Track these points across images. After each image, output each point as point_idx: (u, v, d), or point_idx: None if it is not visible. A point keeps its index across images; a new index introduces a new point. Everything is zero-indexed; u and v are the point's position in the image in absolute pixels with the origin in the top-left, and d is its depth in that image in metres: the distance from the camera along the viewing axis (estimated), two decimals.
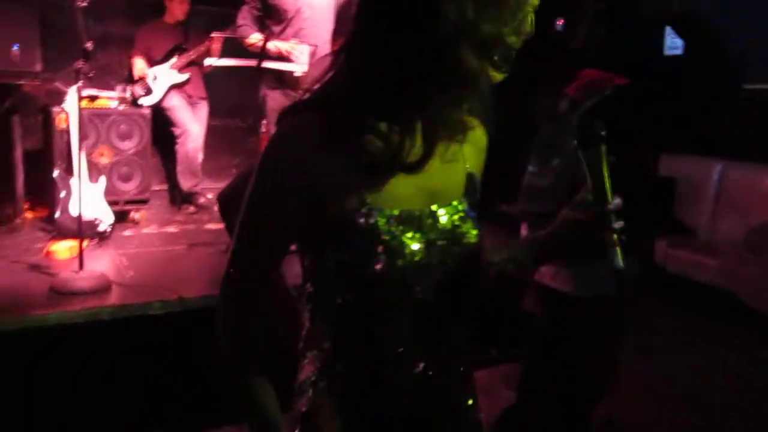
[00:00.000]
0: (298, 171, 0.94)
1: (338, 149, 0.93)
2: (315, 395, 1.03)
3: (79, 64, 3.26)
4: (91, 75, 3.38)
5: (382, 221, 0.96)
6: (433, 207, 1.02)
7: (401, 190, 0.98)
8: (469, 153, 1.10)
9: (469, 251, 1.05)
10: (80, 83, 3.34)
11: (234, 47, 4.20)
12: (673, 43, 5.00)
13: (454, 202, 1.05)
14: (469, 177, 1.10)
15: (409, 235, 0.98)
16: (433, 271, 1.01)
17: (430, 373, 1.03)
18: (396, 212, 0.97)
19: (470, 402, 1.15)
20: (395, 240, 0.97)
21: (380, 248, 0.96)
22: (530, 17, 0.94)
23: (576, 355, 2.18)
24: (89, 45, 3.25)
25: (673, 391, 3.41)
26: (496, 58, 0.92)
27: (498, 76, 0.96)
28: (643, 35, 2.63)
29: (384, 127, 0.95)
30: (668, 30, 4.98)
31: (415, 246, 0.98)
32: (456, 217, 1.04)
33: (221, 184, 5.77)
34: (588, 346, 2.16)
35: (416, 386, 1.03)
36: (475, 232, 1.06)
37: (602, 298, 2.10)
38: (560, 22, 3.04)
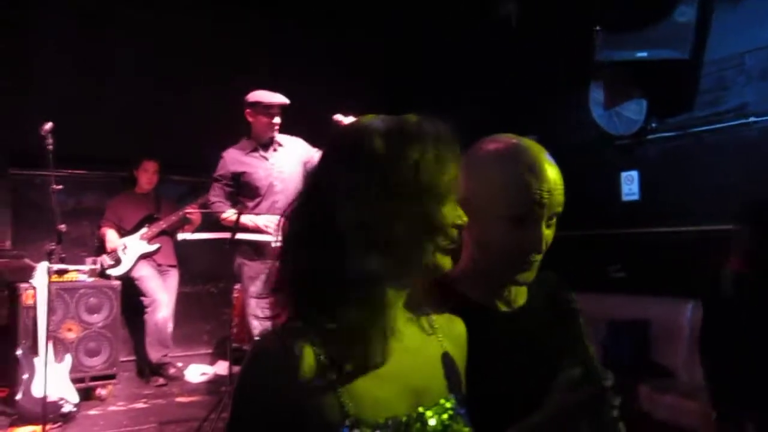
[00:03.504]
0: (274, 394, 0.93)
1: (305, 364, 0.93)
2: None
3: (52, 246, 3.27)
4: (63, 256, 3.36)
5: None
6: (420, 409, 0.98)
7: (383, 394, 0.96)
8: (449, 350, 1.09)
9: None
10: (51, 264, 3.33)
11: (209, 222, 4.26)
12: (629, 190, 5.28)
13: (441, 401, 1.02)
14: (445, 358, 1.07)
15: None
16: None
17: None
18: (381, 420, 0.94)
19: None
20: None
21: None
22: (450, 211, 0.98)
23: None
24: (62, 227, 3.27)
25: None
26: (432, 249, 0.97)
27: (445, 262, 0.99)
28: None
29: (337, 329, 0.95)
30: (624, 176, 5.28)
31: None
32: (445, 416, 1.00)
33: (191, 352, 5.66)
34: None
35: None
36: (467, 429, 1.02)
37: None
38: None
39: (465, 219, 1.00)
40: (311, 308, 0.97)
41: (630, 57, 4.39)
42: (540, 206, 1.18)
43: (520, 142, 1.23)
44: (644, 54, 4.33)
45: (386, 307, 0.99)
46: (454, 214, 0.99)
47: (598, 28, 4.38)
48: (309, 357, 0.93)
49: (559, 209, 1.23)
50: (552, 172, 1.20)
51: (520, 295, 1.32)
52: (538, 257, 1.23)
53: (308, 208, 1.00)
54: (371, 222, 0.93)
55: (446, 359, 1.07)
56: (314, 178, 1.02)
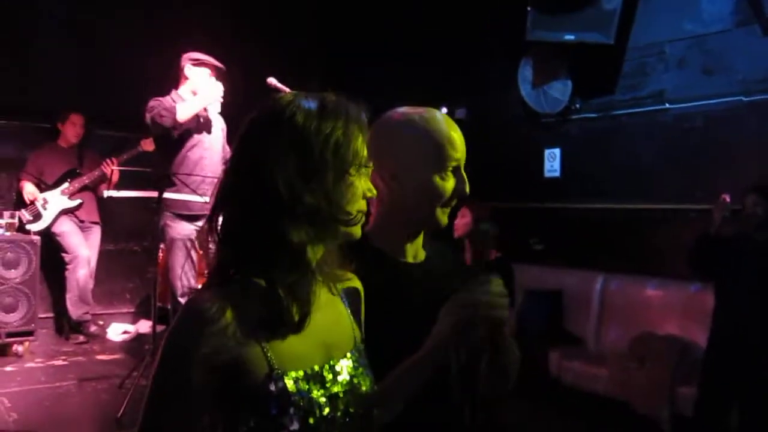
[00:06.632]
0: (203, 351, 0.97)
1: (236, 322, 0.98)
2: None
3: None
4: None
5: (290, 383, 1.00)
6: (332, 362, 1.08)
7: (301, 349, 1.04)
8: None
9: (367, 398, 1.11)
10: None
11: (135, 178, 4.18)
12: (551, 167, 5.49)
13: (348, 354, 1.12)
14: (351, 293, 1.19)
15: (315, 392, 1.03)
16: (339, 422, 1.05)
17: None
18: (301, 373, 1.03)
19: None
20: (304, 399, 1.01)
21: (292, 410, 0.99)
22: (360, 183, 1.08)
23: None
24: None
25: None
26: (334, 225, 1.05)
27: (356, 231, 1.08)
28: None
29: (267, 289, 1.02)
30: (547, 153, 5.48)
31: (322, 401, 1.03)
32: (350, 368, 1.11)
33: (113, 311, 5.59)
34: None
35: None
36: (368, 379, 1.13)
37: None
38: None
39: (374, 191, 1.11)
40: (241, 267, 1.03)
41: (558, 38, 4.53)
42: (460, 157, 1.41)
43: (430, 110, 1.43)
44: (572, 37, 4.49)
45: (308, 270, 1.06)
46: (364, 186, 1.09)
47: (530, 8, 4.49)
48: (239, 315, 0.99)
49: (463, 161, 1.44)
50: (458, 132, 1.42)
51: (420, 251, 1.49)
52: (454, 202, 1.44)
53: (240, 172, 1.05)
54: (293, 192, 1.01)
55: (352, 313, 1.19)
56: (245, 143, 1.07)
